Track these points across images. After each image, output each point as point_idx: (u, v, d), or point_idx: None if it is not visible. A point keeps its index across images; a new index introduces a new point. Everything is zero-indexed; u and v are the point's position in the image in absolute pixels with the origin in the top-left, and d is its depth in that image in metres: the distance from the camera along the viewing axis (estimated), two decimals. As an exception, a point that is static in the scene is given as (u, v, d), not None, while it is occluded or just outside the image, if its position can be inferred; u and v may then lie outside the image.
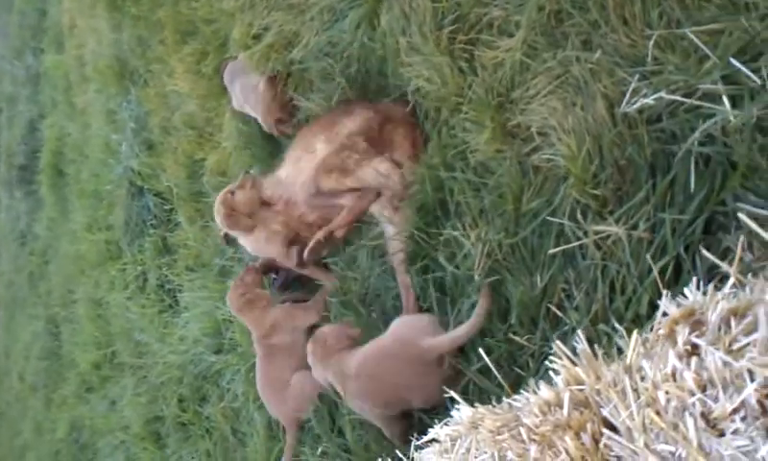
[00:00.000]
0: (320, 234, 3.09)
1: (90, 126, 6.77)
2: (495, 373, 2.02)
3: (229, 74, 3.91)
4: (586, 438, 1.51)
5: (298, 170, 3.16)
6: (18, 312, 9.39)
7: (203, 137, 4.56)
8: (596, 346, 1.70)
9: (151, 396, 5.17)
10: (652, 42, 2.10)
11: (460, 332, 2.48)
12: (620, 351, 1.66)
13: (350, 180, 2.97)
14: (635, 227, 2.08)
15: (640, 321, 2.01)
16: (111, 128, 6.10)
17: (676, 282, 1.95)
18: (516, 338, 2.39)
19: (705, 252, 1.74)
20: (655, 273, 1.94)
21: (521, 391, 1.76)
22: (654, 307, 1.99)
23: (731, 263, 1.52)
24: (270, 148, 3.83)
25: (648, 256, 2.00)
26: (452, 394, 1.92)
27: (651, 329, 1.59)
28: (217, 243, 4.35)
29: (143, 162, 5.38)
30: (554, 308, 2.27)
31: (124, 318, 5.74)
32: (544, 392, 1.64)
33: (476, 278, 2.55)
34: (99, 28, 6.57)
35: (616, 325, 1.84)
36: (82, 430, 6.66)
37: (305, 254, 3.13)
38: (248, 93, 3.70)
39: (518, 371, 2.35)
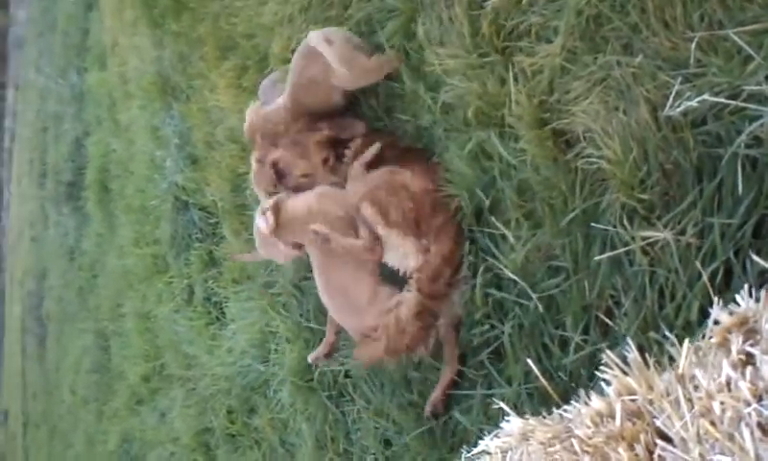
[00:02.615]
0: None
1: (135, 142, 6.90)
2: (545, 383, 2.01)
3: (264, 93, 3.95)
4: (639, 449, 1.50)
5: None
6: (68, 326, 9.61)
7: (245, 151, 4.59)
8: (647, 354, 1.69)
9: (200, 407, 5.25)
10: (694, 44, 2.07)
11: None
12: (672, 359, 1.65)
13: (381, 228, 2.90)
14: (682, 232, 2.05)
15: (691, 327, 1.99)
16: (155, 144, 6.21)
17: (727, 287, 1.92)
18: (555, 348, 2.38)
19: (755, 256, 1.71)
20: (705, 278, 1.92)
21: (572, 402, 1.76)
22: (704, 313, 1.97)
23: (783, 268, 1.50)
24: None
25: (697, 262, 1.98)
26: (502, 405, 1.92)
27: (703, 337, 1.58)
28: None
29: (187, 177, 5.46)
30: (602, 316, 2.26)
31: (172, 331, 5.83)
32: (596, 402, 1.63)
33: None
34: (141, 45, 6.70)
35: (667, 332, 1.82)
36: (132, 442, 6.79)
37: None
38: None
39: (568, 380, 2.34)
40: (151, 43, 6.33)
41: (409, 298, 2.85)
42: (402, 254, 2.88)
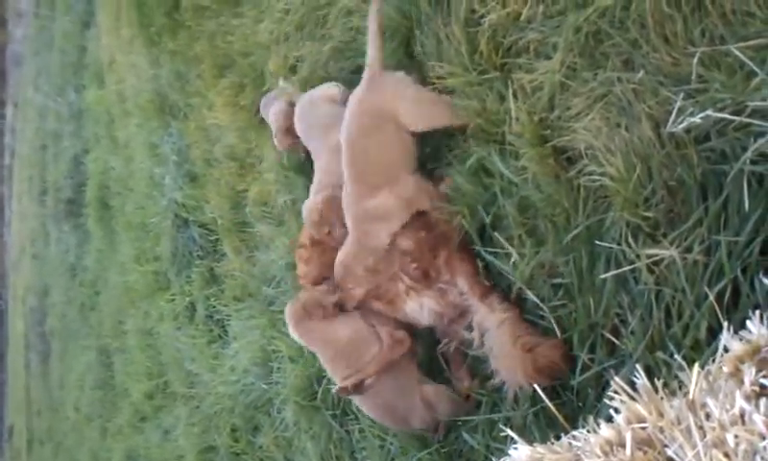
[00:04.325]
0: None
1: (133, 159, 6.89)
2: (551, 407, 1.98)
3: (264, 105, 3.95)
4: (651, 479, 1.47)
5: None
6: (71, 343, 9.58)
7: (244, 168, 4.60)
8: (655, 377, 1.66)
9: (204, 425, 5.21)
10: (696, 60, 2.06)
11: None
12: (681, 383, 1.62)
13: (398, 312, 2.87)
14: (689, 249, 2.03)
15: (699, 347, 1.96)
16: (154, 161, 6.20)
17: (735, 307, 1.90)
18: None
19: (765, 279, 1.68)
20: (711, 298, 1.89)
21: (580, 428, 1.72)
22: (713, 333, 1.95)
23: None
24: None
25: (704, 281, 1.95)
26: (509, 432, 1.89)
27: (713, 360, 1.55)
28: (264, 272, 4.38)
29: (187, 194, 5.45)
30: (608, 335, 2.23)
31: (174, 348, 5.80)
32: (605, 431, 1.60)
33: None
34: (137, 63, 6.70)
35: (676, 355, 1.79)
36: (137, 460, 6.75)
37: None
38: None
39: (575, 399, 2.31)
40: (148, 61, 6.33)
41: (500, 331, 2.62)
42: (428, 311, 2.82)
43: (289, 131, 3.61)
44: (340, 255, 2.94)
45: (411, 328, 2.93)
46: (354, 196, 2.89)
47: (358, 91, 2.96)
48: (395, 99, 2.86)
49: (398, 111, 2.84)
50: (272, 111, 3.77)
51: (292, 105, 3.60)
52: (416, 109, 2.86)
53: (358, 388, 2.95)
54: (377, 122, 2.85)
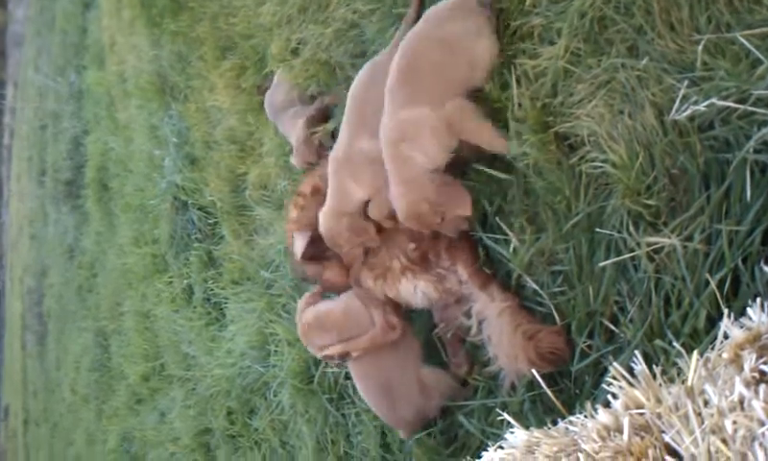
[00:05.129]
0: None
1: (133, 141, 6.87)
2: (549, 393, 1.97)
3: (270, 106, 3.90)
4: (648, 465, 1.47)
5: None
6: (68, 325, 9.59)
7: (244, 151, 4.57)
8: (654, 364, 1.66)
9: (200, 408, 5.21)
10: (701, 47, 2.04)
11: None
12: (680, 370, 1.61)
13: (389, 289, 2.82)
14: (689, 238, 2.02)
15: (698, 335, 1.95)
16: (154, 143, 6.18)
17: (734, 296, 1.89)
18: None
19: (765, 267, 1.68)
20: (713, 286, 1.88)
21: (577, 414, 1.72)
22: (712, 322, 1.94)
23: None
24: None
25: (705, 270, 1.95)
26: (506, 416, 1.89)
27: (711, 348, 1.54)
28: (262, 256, 4.37)
29: (186, 177, 5.42)
30: (607, 322, 2.23)
31: (171, 331, 5.80)
32: (602, 416, 1.60)
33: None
34: (138, 44, 6.66)
35: (674, 342, 1.78)
36: (132, 441, 6.76)
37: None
38: (290, 130, 3.67)
39: (572, 386, 2.31)
40: (149, 43, 6.29)
41: (501, 320, 2.61)
42: (421, 294, 2.79)
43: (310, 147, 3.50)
44: (321, 218, 2.88)
45: (406, 309, 2.92)
46: (396, 102, 2.61)
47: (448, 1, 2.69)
48: (479, 33, 2.62)
49: (476, 48, 2.61)
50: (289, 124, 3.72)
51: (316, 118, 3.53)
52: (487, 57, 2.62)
53: (343, 358, 3.00)
54: (452, 48, 2.61)
